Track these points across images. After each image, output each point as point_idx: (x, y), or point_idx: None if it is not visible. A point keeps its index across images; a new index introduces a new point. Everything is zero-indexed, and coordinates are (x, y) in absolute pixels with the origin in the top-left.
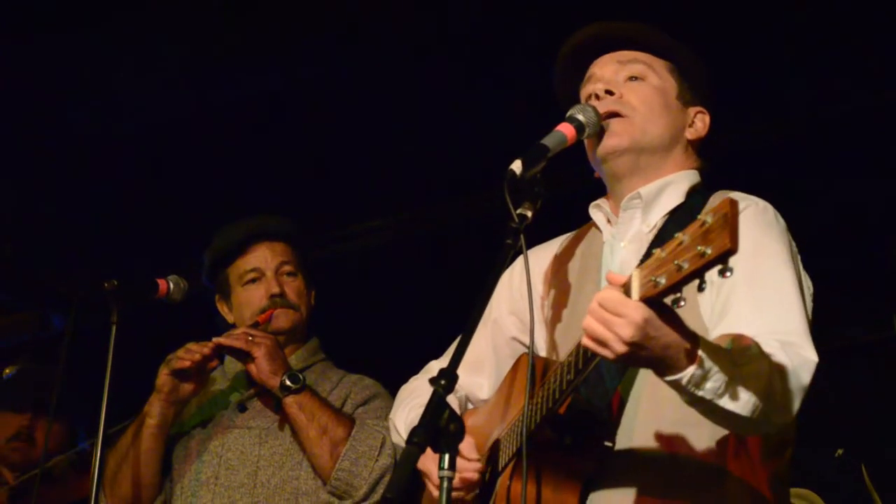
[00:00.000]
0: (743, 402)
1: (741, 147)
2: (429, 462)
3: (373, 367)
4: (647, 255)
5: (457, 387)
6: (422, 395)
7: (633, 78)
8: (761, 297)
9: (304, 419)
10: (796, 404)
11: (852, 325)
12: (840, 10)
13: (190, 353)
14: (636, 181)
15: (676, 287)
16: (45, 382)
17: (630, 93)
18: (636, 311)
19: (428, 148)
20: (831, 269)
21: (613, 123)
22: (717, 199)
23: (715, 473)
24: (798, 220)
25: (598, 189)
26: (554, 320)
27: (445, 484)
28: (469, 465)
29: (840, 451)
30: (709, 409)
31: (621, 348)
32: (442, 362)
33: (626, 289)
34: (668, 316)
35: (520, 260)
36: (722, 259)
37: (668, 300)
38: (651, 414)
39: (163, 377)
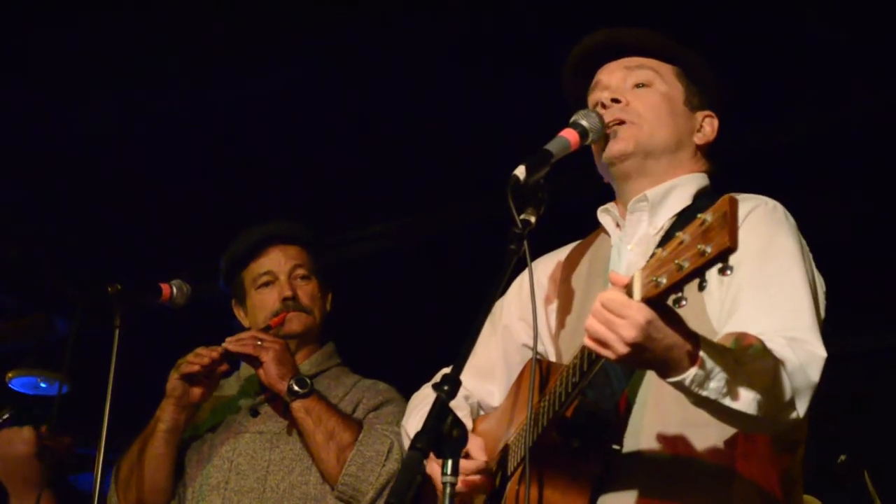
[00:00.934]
0: (748, 401)
1: (752, 151)
2: (436, 467)
3: (389, 372)
4: (652, 256)
5: (468, 394)
6: None
7: (639, 85)
8: (770, 295)
9: (310, 424)
10: (805, 401)
11: (856, 333)
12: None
13: (199, 358)
14: (643, 184)
15: (677, 286)
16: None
17: (636, 100)
18: (639, 312)
19: (438, 151)
20: (836, 275)
21: (619, 129)
22: None
23: (724, 474)
24: (805, 226)
25: (608, 196)
26: (563, 325)
27: (448, 489)
28: (471, 464)
29: (843, 457)
30: (715, 410)
31: (623, 349)
32: None
33: (628, 290)
34: (671, 317)
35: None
36: (722, 257)
37: (669, 300)
38: (658, 416)
39: (173, 381)
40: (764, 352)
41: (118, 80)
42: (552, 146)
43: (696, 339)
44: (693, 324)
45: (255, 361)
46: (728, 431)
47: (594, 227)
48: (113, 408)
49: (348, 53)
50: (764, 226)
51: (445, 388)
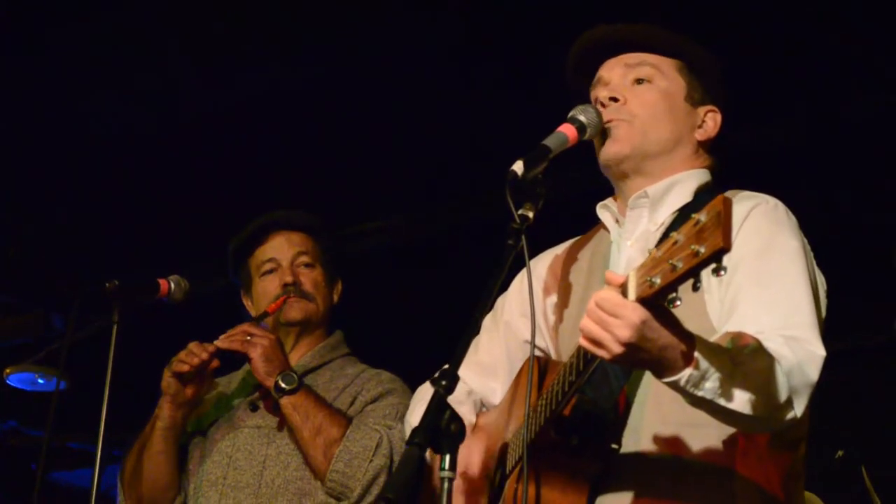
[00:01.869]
0: (744, 401)
1: (755, 146)
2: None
3: (399, 364)
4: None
5: (472, 390)
6: None
7: (639, 81)
8: (769, 293)
9: (298, 420)
10: (803, 400)
11: (853, 329)
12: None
13: (190, 357)
14: (642, 181)
15: (671, 287)
16: None
17: (634, 98)
18: (633, 312)
19: (439, 148)
20: (834, 272)
21: (615, 128)
22: None
23: (723, 473)
24: (805, 222)
25: (607, 191)
26: (562, 321)
27: (446, 485)
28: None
29: (840, 453)
30: (711, 410)
31: (618, 349)
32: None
33: (623, 289)
34: (666, 317)
35: (530, 263)
36: (715, 257)
37: (664, 300)
38: (657, 415)
39: (166, 379)
40: (761, 351)
41: (116, 78)
42: (550, 141)
43: (691, 340)
44: (693, 323)
45: (247, 357)
46: (728, 431)
47: (594, 223)
48: (111, 404)
49: (348, 53)
50: (765, 224)
51: (443, 382)
